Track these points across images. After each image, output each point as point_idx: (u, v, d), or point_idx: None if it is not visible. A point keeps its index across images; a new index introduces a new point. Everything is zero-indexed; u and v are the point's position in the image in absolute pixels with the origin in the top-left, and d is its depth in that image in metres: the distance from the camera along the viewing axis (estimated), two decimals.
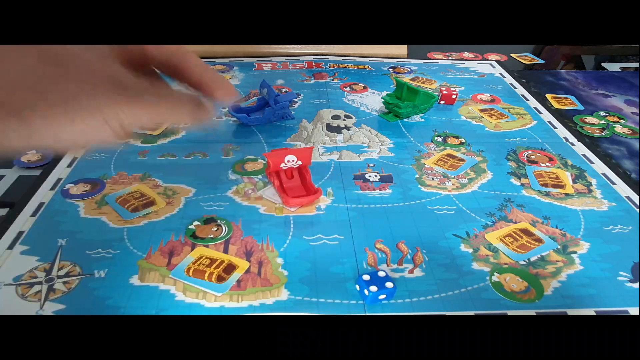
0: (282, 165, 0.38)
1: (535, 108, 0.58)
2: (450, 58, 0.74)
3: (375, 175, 0.44)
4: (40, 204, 0.38)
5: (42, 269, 0.32)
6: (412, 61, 0.72)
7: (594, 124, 0.56)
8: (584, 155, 0.48)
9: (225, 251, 0.34)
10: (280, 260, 0.34)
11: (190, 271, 0.32)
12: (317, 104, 0.56)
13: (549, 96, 0.62)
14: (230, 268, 0.33)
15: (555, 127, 0.54)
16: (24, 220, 0.37)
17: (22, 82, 0.19)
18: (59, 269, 0.32)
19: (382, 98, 0.56)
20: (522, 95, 0.61)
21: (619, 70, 0.73)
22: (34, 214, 0.37)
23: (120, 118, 0.20)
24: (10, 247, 0.34)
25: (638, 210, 0.41)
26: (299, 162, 0.39)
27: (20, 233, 0.35)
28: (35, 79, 0.19)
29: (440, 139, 0.50)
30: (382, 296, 0.30)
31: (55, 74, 0.19)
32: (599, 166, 0.47)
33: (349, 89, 0.61)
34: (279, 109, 0.51)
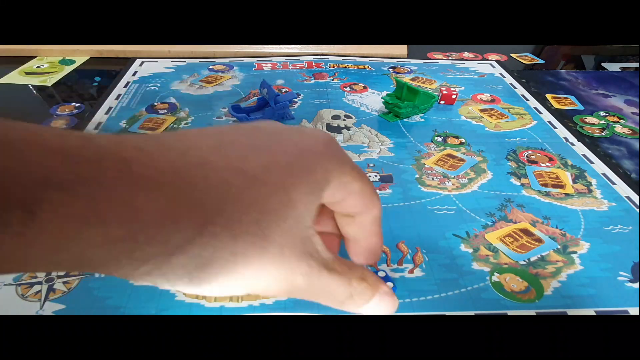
0: None
1: (535, 108, 0.58)
2: (450, 58, 0.74)
3: (375, 175, 0.44)
4: None
5: None
6: (412, 61, 0.72)
7: (594, 124, 0.56)
8: (584, 155, 0.48)
9: None
10: None
11: None
12: (317, 104, 0.56)
13: (549, 96, 0.62)
14: None
15: (555, 127, 0.54)
16: None
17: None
18: None
19: (382, 98, 0.56)
20: (522, 95, 0.61)
21: (619, 70, 0.73)
22: None
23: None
24: None
25: (638, 210, 0.41)
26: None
27: None
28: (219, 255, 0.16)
29: (440, 139, 0.50)
30: None
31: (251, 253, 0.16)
32: (599, 166, 0.47)
33: (349, 89, 0.61)
34: (279, 109, 0.51)
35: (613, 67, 0.74)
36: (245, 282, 0.17)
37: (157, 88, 0.60)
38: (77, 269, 0.14)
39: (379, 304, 0.21)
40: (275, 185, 0.17)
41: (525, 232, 0.37)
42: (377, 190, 0.42)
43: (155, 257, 0.14)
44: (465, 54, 0.76)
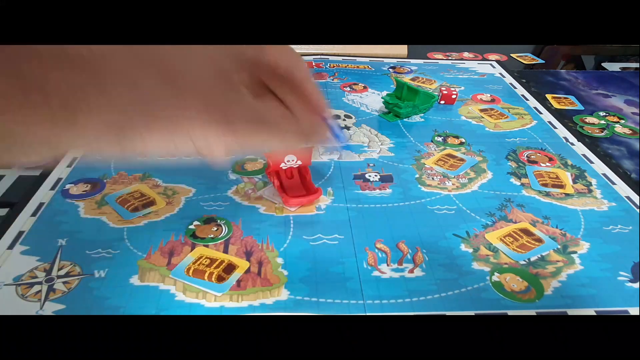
0: (282, 165, 0.38)
1: (535, 108, 0.58)
2: (450, 58, 0.74)
3: (375, 175, 0.44)
4: (40, 204, 0.38)
5: (42, 269, 0.32)
6: (412, 61, 0.72)
7: (594, 124, 0.56)
8: (584, 155, 0.48)
9: (225, 251, 0.34)
10: (280, 260, 0.34)
11: (190, 271, 0.32)
12: None
13: (549, 96, 0.62)
14: (230, 268, 0.33)
15: (555, 127, 0.54)
16: (24, 220, 0.37)
17: (137, 105, 0.19)
18: (59, 269, 0.32)
19: (382, 98, 0.56)
20: (522, 95, 0.61)
21: (619, 70, 0.73)
22: (34, 214, 0.37)
23: (208, 142, 0.20)
24: (10, 247, 0.34)
25: (638, 210, 0.41)
26: (299, 162, 0.39)
27: (20, 233, 0.35)
28: (149, 102, 0.19)
29: (440, 139, 0.50)
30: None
31: (169, 95, 0.19)
32: (599, 166, 0.47)
33: (349, 89, 0.61)
34: None
35: (613, 67, 0.74)
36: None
37: None
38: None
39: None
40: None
41: (525, 232, 0.37)
42: (378, 190, 0.42)
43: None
44: (465, 54, 0.76)
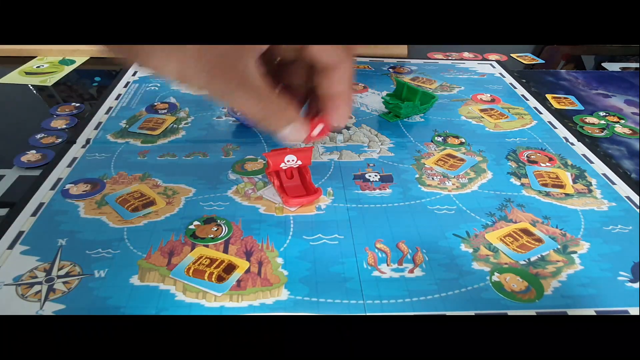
0: (282, 165, 0.38)
1: (535, 108, 0.58)
2: (450, 58, 0.74)
3: (375, 175, 0.44)
4: (40, 204, 0.38)
5: (42, 269, 0.32)
6: (412, 61, 0.72)
7: (594, 124, 0.56)
8: (584, 155, 0.48)
9: (225, 251, 0.34)
10: (280, 260, 0.34)
11: (190, 271, 0.32)
12: None
13: (549, 96, 0.62)
14: (230, 268, 0.33)
15: (555, 127, 0.54)
16: (24, 220, 0.37)
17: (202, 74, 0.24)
18: (59, 269, 0.32)
19: (382, 98, 0.56)
20: (522, 95, 0.61)
21: (619, 70, 0.73)
22: (34, 214, 0.37)
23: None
24: (10, 247, 0.34)
25: (638, 210, 0.41)
26: (299, 162, 0.39)
27: (20, 233, 0.35)
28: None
29: (440, 139, 0.50)
30: None
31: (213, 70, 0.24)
32: (599, 166, 0.47)
33: None
34: None
35: (613, 67, 0.74)
36: (170, 65, 0.23)
37: (157, 88, 0.60)
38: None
39: (290, 131, 0.28)
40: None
41: (525, 232, 0.37)
42: (378, 190, 0.42)
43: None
44: (465, 54, 0.76)
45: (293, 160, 0.38)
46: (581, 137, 0.52)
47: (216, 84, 0.24)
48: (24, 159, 0.45)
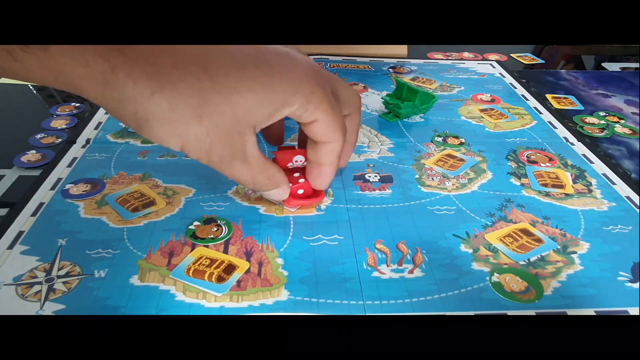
0: (289, 164, 0.38)
1: (535, 108, 0.58)
2: (450, 58, 0.74)
3: (375, 176, 0.44)
4: (40, 204, 0.38)
5: (42, 269, 0.32)
6: (412, 61, 0.72)
7: (594, 124, 0.56)
8: (584, 155, 0.48)
9: (225, 251, 0.34)
10: (280, 261, 0.34)
11: (190, 271, 0.32)
12: None
13: (549, 96, 0.62)
14: (230, 268, 0.33)
15: (555, 127, 0.54)
16: (24, 220, 0.37)
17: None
18: (59, 269, 0.32)
19: (382, 98, 0.56)
20: (522, 95, 0.61)
21: (619, 70, 0.73)
22: (34, 214, 0.37)
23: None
24: (10, 247, 0.34)
25: (638, 210, 0.41)
26: (305, 164, 0.39)
27: (20, 233, 0.35)
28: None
29: (440, 139, 0.50)
30: None
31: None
32: (599, 166, 0.47)
33: None
34: None
35: (613, 67, 0.74)
36: (175, 139, 0.25)
37: None
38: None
39: (275, 192, 0.32)
40: (224, 87, 0.24)
41: (525, 232, 0.37)
42: (377, 190, 0.42)
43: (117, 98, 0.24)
44: (465, 54, 0.76)
45: (300, 161, 0.38)
46: (581, 137, 0.52)
47: (212, 157, 0.26)
48: (24, 159, 0.45)
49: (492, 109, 0.57)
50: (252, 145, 0.27)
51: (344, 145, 0.31)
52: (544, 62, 0.75)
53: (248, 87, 0.25)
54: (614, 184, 0.44)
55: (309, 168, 0.33)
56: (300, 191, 0.38)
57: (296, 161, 0.38)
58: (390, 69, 0.68)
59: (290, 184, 0.38)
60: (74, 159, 0.45)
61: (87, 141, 0.48)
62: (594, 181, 0.44)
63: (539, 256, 0.35)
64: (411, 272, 0.33)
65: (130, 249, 0.34)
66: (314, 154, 0.32)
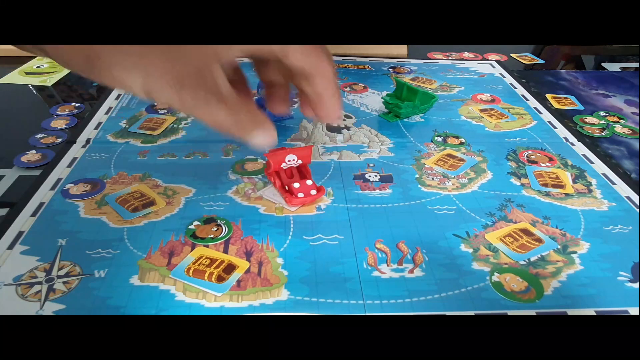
0: (283, 165, 0.38)
1: (535, 108, 0.58)
2: (450, 58, 0.74)
3: (375, 175, 0.44)
4: (40, 204, 0.38)
5: (42, 269, 0.32)
6: (412, 61, 0.72)
7: (594, 124, 0.56)
8: (584, 155, 0.48)
9: (225, 251, 0.34)
10: (280, 260, 0.34)
11: (190, 271, 0.32)
12: None
13: (549, 96, 0.62)
14: (230, 268, 0.33)
15: (555, 127, 0.54)
16: (24, 220, 0.37)
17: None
18: (59, 269, 0.32)
19: (382, 98, 0.56)
20: (522, 95, 0.61)
21: (619, 70, 0.73)
22: (34, 214, 0.37)
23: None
24: (10, 247, 0.34)
25: (638, 210, 0.41)
26: (299, 162, 0.39)
27: (20, 233, 0.35)
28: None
29: (440, 139, 0.50)
30: None
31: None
32: (599, 166, 0.47)
33: (349, 89, 0.61)
34: None
35: (613, 67, 0.74)
36: (134, 74, 0.23)
37: None
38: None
39: (258, 135, 0.26)
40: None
41: (525, 232, 0.37)
42: (377, 190, 0.42)
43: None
44: (465, 54, 0.76)
45: (294, 160, 0.38)
46: (581, 137, 0.52)
47: (184, 96, 0.23)
48: (24, 159, 0.45)
49: (492, 109, 0.57)
50: (224, 80, 0.24)
51: (334, 72, 0.29)
52: (544, 62, 0.75)
53: None
54: (614, 184, 0.44)
55: (313, 105, 0.29)
56: (301, 194, 0.38)
57: (289, 160, 0.38)
58: (390, 69, 0.68)
59: (289, 186, 0.38)
60: (74, 159, 0.45)
61: (87, 141, 0.48)
62: (594, 181, 0.44)
63: (539, 256, 0.35)
64: (411, 271, 0.33)
65: (130, 249, 0.34)
66: (309, 89, 0.28)
